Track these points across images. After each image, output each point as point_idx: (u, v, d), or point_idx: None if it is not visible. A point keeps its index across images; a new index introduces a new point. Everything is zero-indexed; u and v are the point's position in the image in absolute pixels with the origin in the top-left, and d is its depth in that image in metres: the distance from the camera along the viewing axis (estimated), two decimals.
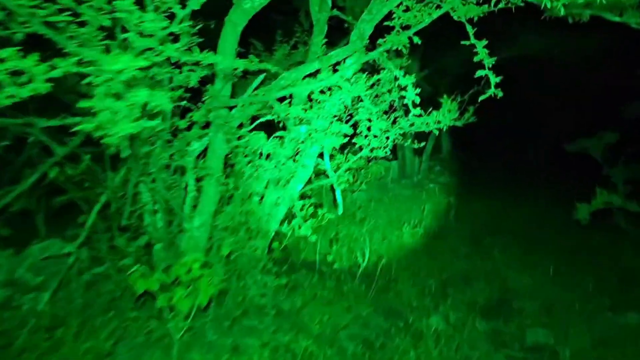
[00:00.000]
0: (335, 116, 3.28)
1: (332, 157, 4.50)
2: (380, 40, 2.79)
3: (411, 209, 9.45)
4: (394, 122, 4.48)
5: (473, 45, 3.53)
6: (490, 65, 2.96)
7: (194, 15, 3.66)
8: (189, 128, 3.14)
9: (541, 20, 10.11)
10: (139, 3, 2.03)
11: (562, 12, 2.75)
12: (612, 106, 9.44)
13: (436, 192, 11.42)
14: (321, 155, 4.45)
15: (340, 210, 4.52)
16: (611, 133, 7.24)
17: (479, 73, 3.06)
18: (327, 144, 3.12)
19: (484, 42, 2.97)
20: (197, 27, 2.68)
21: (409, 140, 11.97)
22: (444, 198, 10.96)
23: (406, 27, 2.78)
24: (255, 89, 3.32)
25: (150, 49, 2.03)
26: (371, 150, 4.55)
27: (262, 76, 3.30)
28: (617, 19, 2.96)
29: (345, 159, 4.56)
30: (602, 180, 7.68)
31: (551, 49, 10.96)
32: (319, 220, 5.22)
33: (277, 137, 3.17)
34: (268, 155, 3.32)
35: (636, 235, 6.50)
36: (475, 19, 2.98)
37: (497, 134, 19.05)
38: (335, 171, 4.49)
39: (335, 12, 4.20)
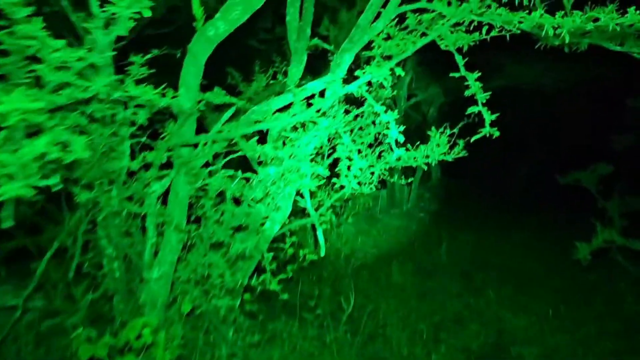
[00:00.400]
0: (312, 154, 2.94)
1: (313, 194, 4.13)
2: (358, 72, 2.49)
3: (401, 242, 9.08)
4: (380, 156, 4.15)
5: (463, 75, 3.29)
6: (484, 101, 2.65)
7: (160, 42, 3.35)
8: (146, 168, 2.78)
9: (532, 50, 10.05)
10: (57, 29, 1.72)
11: (567, 38, 2.47)
12: (603, 136, 9.30)
13: (426, 223, 11.09)
14: (301, 193, 4.09)
15: (322, 252, 4.13)
16: (605, 165, 7.01)
17: (471, 109, 2.75)
18: (301, 186, 2.78)
19: (476, 74, 2.67)
20: (147, 57, 2.36)
21: (396, 176, 11.74)
22: (434, 229, 10.62)
23: (388, 57, 2.49)
24: (225, 123, 3.00)
25: (67, 84, 1.70)
26: (356, 187, 4.22)
27: (231, 110, 2.98)
28: (617, 48, 2.70)
29: (328, 196, 4.20)
30: (597, 213, 7.42)
31: (540, 78, 10.90)
32: (300, 262, 4.82)
33: (244, 178, 2.81)
34: (237, 199, 2.96)
35: (636, 273, 6.20)
36: (465, 48, 2.68)
37: (487, 161, 18.94)
38: (316, 209, 4.12)
39: (316, 41, 3.90)
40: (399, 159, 4.22)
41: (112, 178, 2.66)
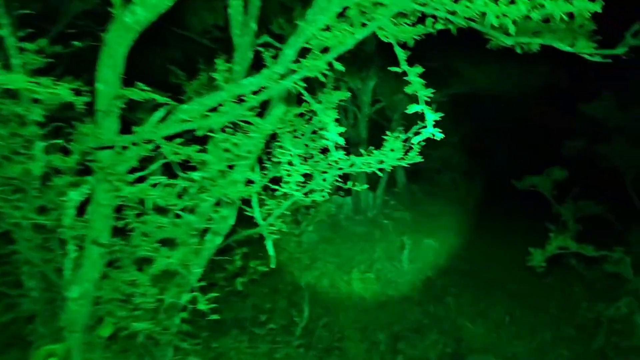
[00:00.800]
0: (246, 158, 2.68)
1: (262, 202, 3.88)
2: (293, 65, 2.28)
3: (363, 250, 8.93)
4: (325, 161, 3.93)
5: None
6: (427, 99, 2.48)
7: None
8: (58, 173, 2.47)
9: (489, 56, 10.14)
10: None
11: (512, 29, 2.33)
12: (557, 142, 9.48)
13: (390, 229, 10.99)
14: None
15: (272, 263, 3.87)
16: (559, 170, 7.08)
17: (413, 108, 2.58)
18: (231, 194, 2.51)
19: (418, 69, 2.50)
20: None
21: (350, 183, 11.52)
22: (397, 235, 10.53)
23: (326, 50, 2.29)
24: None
25: None
26: (306, 195, 3.99)
27: (163, 110, 2.70)
28: (568, 49, 2.60)
29: (278, 204, 3.95)
30: (552, 217, 7.48)
31: (498, 84, 11.08)
32: (251, 274, 4.55)
33: (168, 185, 2.53)
34: (163, 208, 2.68)
35: (590, 277, 6.26)
36: (411, 43, 2.51)
37: (448, 166, 19.17)
38: (264, 219, 3.86)
39: (265, 37, 3.66)
40: (352, 164, 4.02)
41: (18, 185, 2.34)
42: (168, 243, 2.78)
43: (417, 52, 2.82)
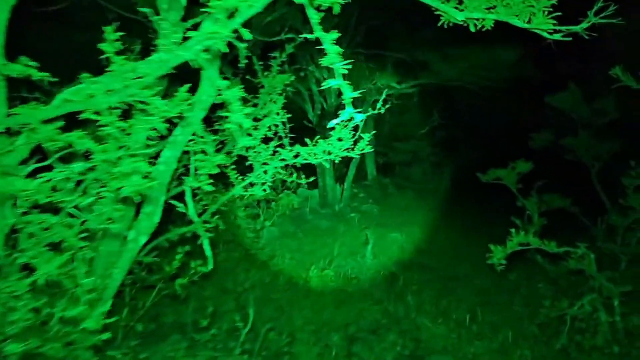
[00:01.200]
0: (142, 146, 2.27)
1: (197, 197, 3.48)
2: (191, 32, 1.89)
3: (326, 245, 8.60)
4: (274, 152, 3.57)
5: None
6: (345, 71, 2.12)
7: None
8: None
9: (455, 49, 9.87)
10: None
11: (461, 17, 2.03)
12: (523, 135, 9.34)
13: (355, 222, 10.71)
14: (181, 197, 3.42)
15: (210, 264, 3.49)
16: (524, 163, 6.89)
17: (328, 83, 2.22)
18: (126, 189, 2.11)
19: (334, 34, 2.13)
20: None
21: (327, 175, 11.18)
22: (362, 229, 10.27)
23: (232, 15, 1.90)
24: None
25: None
26: (246, 188, 3.61)
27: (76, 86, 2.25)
28: (525, 25, 2.29)
29: (213, 200, 3.56)
30: (516, 211, 7.33)
31: (465, 76, 10.90)
32: (191, 275, 4.15)
33: (47, 179, 2.10)
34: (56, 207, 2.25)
35: (553, 272, 6.11)
36: (337, 9, 2.14)
37: (418, 159, 19.06)
38: (199, 215, 3.47)
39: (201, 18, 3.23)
40: (297, 155, 3.66)
41: None
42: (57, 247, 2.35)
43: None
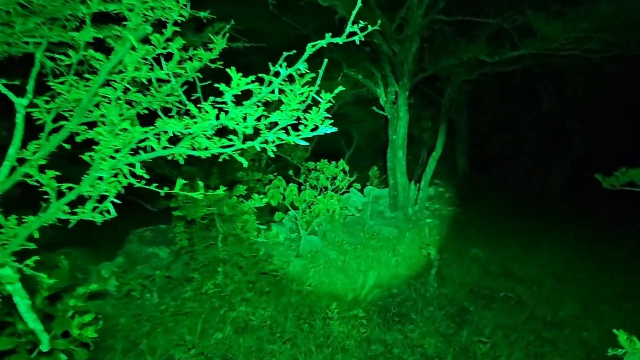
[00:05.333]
0: None
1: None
2: None
3: (379, 262, 6.73)
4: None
5: None
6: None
7: None
8: None
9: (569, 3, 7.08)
10: None
11: None
12: None
13: (426, 233, 8.62)
14: None
15: (44, 347, 1.98)
16: None
17: None
18: None
19: None
20: None
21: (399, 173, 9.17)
22: (433, 241, 8.16)
23: None
24: None
25: None
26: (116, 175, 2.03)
27: None
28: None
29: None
30: None
31: (580, 44, 8.10)
32: None
33: None
34: None
35: None
36: None
37: (521, 152, 15.95)
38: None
39: None
40: (187, 126, 1.97)
41: None
42: None
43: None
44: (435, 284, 5.93)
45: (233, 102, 1.63)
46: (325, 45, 1.70)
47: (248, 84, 1.48)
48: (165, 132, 1.64)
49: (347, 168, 7.64)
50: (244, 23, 8.67)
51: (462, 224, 10.00)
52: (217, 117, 1.57)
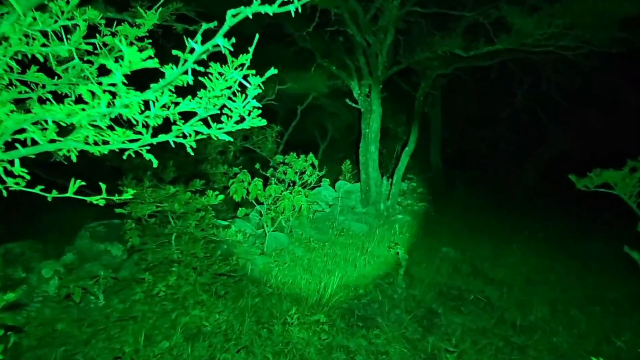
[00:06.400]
0: None
1: None
2: None
3: (347, 261, 6.47)
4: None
5: None
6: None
7: None
8: None
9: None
10: None
11: None
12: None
13: (396, 230, 8.42)
14: None
15: None
16: None
17: None
18: None
19: None
20: None
21: (370, 167, 8.87)
22: (403, 238, 7.96)
23: None
24: None
25: None
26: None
27: None
28: None
29: None
30: (635, 237, 4.68)
31: (555, 40, 7.97)
32: None
33: None
34: None
35: None
36: None
37: (496, 149, 15.97)
38: None
39: None
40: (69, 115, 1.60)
41: None
42: None
43: None
44: (404, 285, 5.70)
45: (126, 85, 1.28)
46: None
47: (145, 60, 1.15)
48: (46, 122, 1.29)
49: (316, 162, 7.33)
50: (208, 6, 8.22)
51: (433, 220, 9.85)
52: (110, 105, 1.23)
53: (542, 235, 8.80)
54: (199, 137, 1.51)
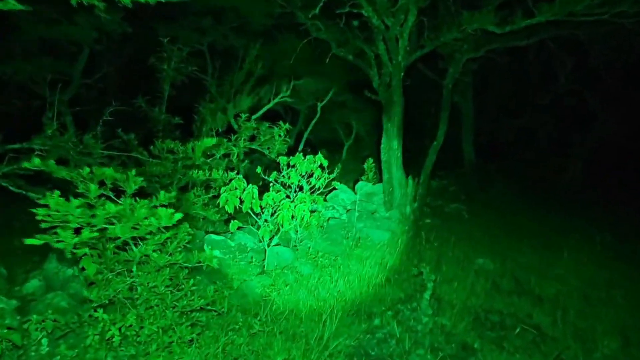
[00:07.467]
0: None
1: None
2: None
3: (352, 286, 5.42)
4: None
5: None
6: None
7: None
8: None
9: None
10: None
11: None
12: None
13: (422, 238, 7.28)
14: None
15: None
16: None
17: None
18: None
19: None
20: None
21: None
22: (433, 248, 6.84)
23: None
24: None
25: None
26: None
27: None
28: None
29: None
30: None
31: (607, 8, 6.61)
32: None
33: None
34: None
35: None
36: None
37: (535, 138, 14.45)
38: None
39: None
40: None
41: None
42: None
43: None
44: (430, 311, 4.60)
45: None
46: None
47: None
48: None
49: (325, 163, 6.30)
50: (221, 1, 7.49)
51: (467, 223, 8.64)
52: None
53: (598, 239, 7.44)
54: None
